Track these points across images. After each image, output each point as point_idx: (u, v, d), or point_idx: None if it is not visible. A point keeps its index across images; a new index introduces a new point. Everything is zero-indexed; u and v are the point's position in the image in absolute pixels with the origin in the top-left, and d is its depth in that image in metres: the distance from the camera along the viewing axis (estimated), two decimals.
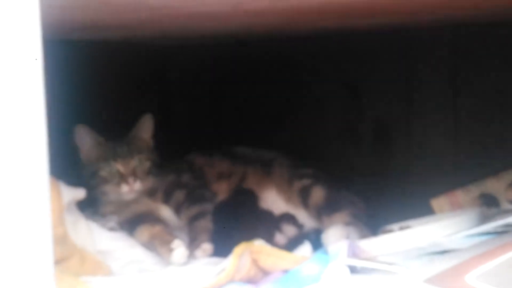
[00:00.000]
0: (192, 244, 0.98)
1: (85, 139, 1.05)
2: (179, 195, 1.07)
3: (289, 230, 1.06)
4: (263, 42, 1.29)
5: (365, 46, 1.23)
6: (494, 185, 1.04)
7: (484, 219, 0.91)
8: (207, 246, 0.96)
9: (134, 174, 1.03)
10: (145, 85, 1.35)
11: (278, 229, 1.05)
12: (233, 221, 1.04)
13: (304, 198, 1.09)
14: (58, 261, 0.88)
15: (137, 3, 0.72)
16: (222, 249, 0.94)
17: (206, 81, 1.41)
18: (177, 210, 1.06)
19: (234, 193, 1.10)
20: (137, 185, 1.03)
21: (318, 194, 1.08)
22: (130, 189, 1.03)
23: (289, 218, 1.08)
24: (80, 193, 0.97)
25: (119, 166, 1.03)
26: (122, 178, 1.03)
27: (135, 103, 1.22)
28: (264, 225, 1.05)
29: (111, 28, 1.00)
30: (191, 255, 0.95)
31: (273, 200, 1.12)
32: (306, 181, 1.11)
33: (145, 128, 1.09)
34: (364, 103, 1.26)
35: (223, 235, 0.99)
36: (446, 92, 1.19)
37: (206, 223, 1.02)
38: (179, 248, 0.93)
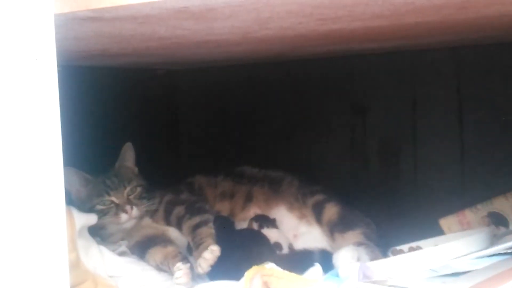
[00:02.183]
0: (199, 248, 0.99)
1: (73, 180, 1.07)
2: (179, 209, 1.09)
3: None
4: (271, 64, 1.30)
5: (371, 67, 1.24)
6: (502, 204, 1.04)
7: (494, 239, 0.91)
8: (215, 248, 0.96)
9: (130, 202, 1.07)
10: (154, 109, 1.36)
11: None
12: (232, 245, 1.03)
13: (317, 214, 1.09)
14: (71, 286, 0.88)
15: (147, 34, 0.73)
16: (223, 272, 0.95)
17: (214, 102, 1.42)
18: (179, 223, 1.08)
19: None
20: (135, 212, 1.06)
21: (332, 210, 1.08)
22: (129, 217, 1.06)
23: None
24: (92, 219, 0.99)
25: (113, 198, 1.07)
26: (119, 208, 1.06)
27: (145, 127, 1.23)
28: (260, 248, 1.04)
29: (121, 56, 1.01)
30: (200, 257, 0.96)
31: (283, 218, 1.11)
32: (319, 197, 1.11)
33: (128, 156, 1.13)
34: (371, 123, 1.27)
35: (223, 257, 0.99)
36: (452, 112, 1.19)
37: (209, 229, 1.03)
38: (179, 271, 0.94)
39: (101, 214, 1.05)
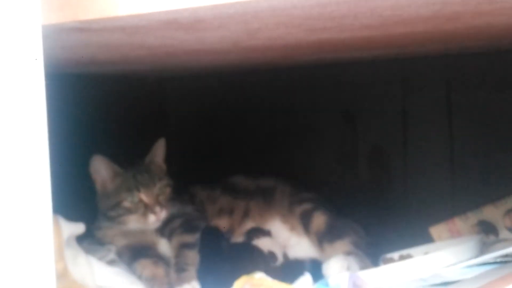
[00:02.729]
0: (181, 274, 0.97)
1: (102, 170, 1.02)
2: (176, 222, 1.06)
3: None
4: (261, 71, 1.30)
5: (361, 75, 1.25)
6: (492, 213, 1.05)
7: (483, 247, 0.91)
8: (195, 284, 0.95)
9: (159, 202, 1.02)
10: (143, 116, 1.36)
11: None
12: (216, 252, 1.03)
13: (305, 224, 1.08)
14: None
15: (136, 44, 0.73)
16: (213, 284, 0.95)
17: (203, 110, 1.41)
18: (170, 234, 1.05)
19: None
20: (163, 214, 1.01)
21: (319, 219, 1.08)
22: (157, 219, 1.01)
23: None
24: (79, 228, 0.97)
25: (143, 196, 1.01)
26: (148, 208, 1.01)
27: (134, 134, 1.22)
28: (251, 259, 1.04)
29: (109, 64, 1.01)
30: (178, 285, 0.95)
31: (278, 230, 1.11)
32: (306, 206, 1.10)
33: (160, 152, 1.08)
34: (361, 131, 1.27)
35: (208, 268, 0.99)
36: (442, 120, 1.20)
37: (196, 256, 1.01)
38: None
39: (127, 212, 1.00)
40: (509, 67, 1.13)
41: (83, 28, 0.59)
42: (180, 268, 0.99)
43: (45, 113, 0.49)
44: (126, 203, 1.01)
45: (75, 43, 0.71)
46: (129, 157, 1.11)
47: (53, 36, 0.62)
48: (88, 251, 0.98)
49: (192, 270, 0.98)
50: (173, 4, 0.51)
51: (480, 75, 1.16)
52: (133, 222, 1.02)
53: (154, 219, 1.01)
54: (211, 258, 1.01)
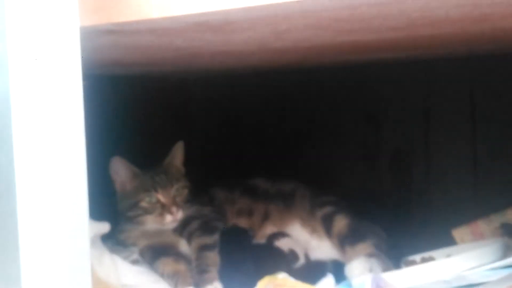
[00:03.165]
0: (202, 276, 0.98)
1: (121, 171, 1.05)
2: (194, 224, 1.07)
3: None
4: (284, 72, 1.30)
5: (384, 77, 1.24)
6: None
7: (507, 250, 0.90)
8: (218, 285, 0.96)
9: (175, 203, 1.04)
10: (166, 117, 1.36)
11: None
12: (240, 255, 1.03)
13: (327, 226, 1.08)
14: None
15: (164, 45, 0.74)
16: (236, 284, 0.95)
17: (226, 111, 1.42)
18: (189, 237, 1.06)
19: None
20: (180, 214, 1.03)
21: (341, 222, 1.07)
22: (174, 219, 1.03)
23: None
24: (104, 227, 0.99)
25: (160, 196, 1.03)
26: (165, 208, 1.03)
27: (157, 135, 1.23)
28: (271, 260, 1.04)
29: (135, 65, 1.02)
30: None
31: (297, 234, 1.11)
32: (328, 209, 1.10)
33: (178, 155, 1.10)
34: (383, 132, 1.27)
35: (231, 268, 0.99)
36: (465, 121, 1.19)
37: (216, 257, 1.02)
38: None
39: (144, 212, 1.03)
40: None
41: (115, 31, 0.60)
42: (201, 270, 1.00)
43: (82, 115, 0.50)
44: (144, 203, 1.04)
45: (104, 45, 0.72)
46: (152, 158, 1.12)
47: (86, 38, 0.64)
48: (112, 251, 1.00)
49: (213, 271, 0.99)
50: (205, 6, 0.52)
51: (504, 77, 1.15)
52: (150, 222, 1.04)
53: (170, 219, 1.03)
54: (234, 258, 1.02)
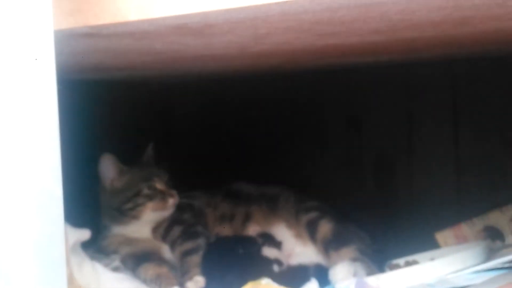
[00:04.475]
0: (184, 277, 0.98)
1: (111, 168, 1.08)
2: (176, 230, 1.09)
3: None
4: (266, 77, 1.30)
5: (366, 80, 1.24)
6: (498, 218, 1.05)
7: (490, 253, 0.91)
8: (199, 278, 0.96)
9: (170, 190, 1.09)
10: (148, 121, 1.36)
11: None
12: (224, 261, 1.03)
13: (311, 232, 1.09)
14: None
15: (144, 49, 0.73)
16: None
17: (208, 116, 1.41)
18: (172, 245, 1.08)
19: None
20: (177, 198, 1.08)
21: (325, 227, 1.08)
22: (174, 202, 1.07)
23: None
24: (85, 234, 0.97)
25: (158, 185, 1.08)
26: (164, 193, 1.07)
27: (139, 140, 1.22)
28: (255, 265, 1.04)
29: (116, 70, 1.01)
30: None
31: (283, 236, 1.11)
32: (313, 214, 1.11)
33: (151, 155, 1.14)
34: (366, 136, 1.27)
35: (215, 275, 0.99)
36: (447, 125, 1.20)
37: (198, 259, 1.03)
38: None
39: (146, 200, 1.06)
40: None
41: (93, 34, 0.59)
42: (184, 272, 1.00)
43: (57, 119, 0.49)
44: (146, 191, 1.07)
45: (83, 49, 0.71)
46: (131, 162, 1.13)
47: (62, 42, 0.62)
48: (92, 259, 0.99)
49: (194, 269, 1.00)
50: (184, 8, 0.51)
51: (486, 79, 1.16)
52: (149, 211, 1.07)
53: (172, 202, 1.07)
54: (219, 264, 1.02)
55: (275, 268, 1.04)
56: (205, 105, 1.41)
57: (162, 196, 1.07)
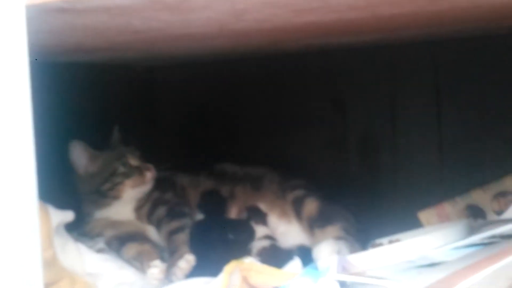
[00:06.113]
0: (174, 256, 0.98)
1: (82, 155, 1.08)
2: (161, 210, 1.08)
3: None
4: (250, 59, 1.30)
5: (351, 63, 1.25)
6: (480, 197, 1.06)
7: (471, 231, 0.92)
8: (190, 257, 0.96)
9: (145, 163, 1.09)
10: (132, 105, 1.35)
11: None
12: (208, 242, 1.04)
13: (297, 209, 1.09)
14: (48, 285, 0.88)
15: (122, 27, 0.73)
16: (201, 269, 0.95)
17: (193, 98, 1.41)
18: (158, 225, 1.08)
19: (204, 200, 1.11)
20: (154, 172, 1.08)
21: (311, 205, 1.09)
22: (152, 176, 1.08)
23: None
24: (68, 216, 0.97)
25: (132, 161, 1.08)
26: (140, 169, 1.08)
27: (123, 124, 1.22)
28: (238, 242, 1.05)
29: (97, 50, 1.00)
30: (174, 266, 0.95)
31: (267, 216, 1.11)
32: (299, 192, 1.11)
33: (118, 137, 1.15)
34: (350, 118, 1.27)
35: (200, 254, 0.99)
36: (431, 106, 1.20)
37: (186, 237, 1.03)
38: (155, 268, 0.94)
39: (123, 178, 1.06)
40: (496, 52, 1.13)
41: (67, 9, 0.59)
42: (172, 251, 1.00)
43: (29, 102, 0.48)
44: (122, 169, 1.07)
45: (61, 27, 0.70)
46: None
47: (38, 18, 0.62)
48: (77, 241, 0.99)
49: (183, 248, 1.00)
50: None
51: (468, 61, 1.16)
52: (129, 188, 1.07)
53: (150, 175, 1.07)
54: (204, 243, 1.02)
55: (265, 243, 1.05)
56: (189, 88, 1.40)
57: (139, 171, 1.08)
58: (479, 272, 0.66)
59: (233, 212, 1.12)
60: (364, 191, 1.25)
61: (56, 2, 0.55)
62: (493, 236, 0.82)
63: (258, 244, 1.05)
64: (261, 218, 1.10)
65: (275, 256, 1.02)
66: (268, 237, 1.07)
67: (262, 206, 1.12)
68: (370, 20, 0.79)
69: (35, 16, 0.60)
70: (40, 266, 0.50)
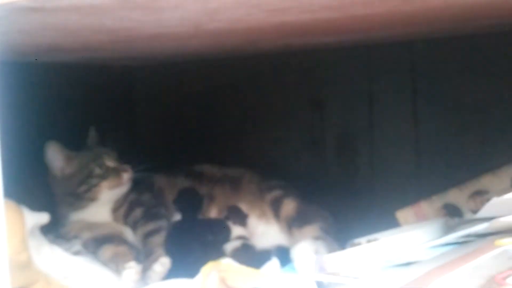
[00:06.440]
0: (149, 259, 0.98)
1: (58, 155, 1.07)
2: (137, 212, 1.08)
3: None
4: (227, 59, 1.29)
5: (328, 62, 1.25)
6: (456, 196, 1.06)
7: (447, 229, 0.92)
8: (165, 260, 0.96)
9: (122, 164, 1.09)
10: (110, 105, 1.34)
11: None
12: (185, 243, 1.04)
13: (275, 210, 1.09)
14: (23, 287, 0.87)
15: (95, 27, 0.72)
16: (178, 270, 0.94)
17: (171, 99, 1.41)
18: (134, 227, 1.07)
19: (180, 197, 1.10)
20: (131, 172, 1.08)
21: (289, 206, 1.09)
22: (129, 176, 1.07)
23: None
24: (43, 218, 0.96)
25: (109, 163, 1.08)
26: (117, 170, 1.07)
27: (101, 124, 1.21)
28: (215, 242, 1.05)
29: (70, 50, 0.99)
30: (150, 269, 0.95)
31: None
32: (277, 192, 1.11)
33: (95, 137, 1.14)
34: (328, 117, 1.28)
35: (177, 255, 0.99)
36: (407, 105, 1.21)
37: (161, 239, 1.03)
38: (131, 269, 0.94)
39: (99, 179, 1.06)
40: (472, 52, 1.14)
41: (36, 8, 0.58)
42: (148, 253, 1.00)
43: None
44: (98, 170, 1.07)
45: (32, 26, 0.69)
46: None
47: (8, 17, 0.61)
48: (52, 244, 0.98)
49: (158, 250, 0.99)
50: None
51: (444, 60, 1.17)
52: (106, 189, 1.06)
53: (127, 176, 1.07)
54: (181, 244, 1.02)
55: (237, 243, 1.04)
56: (167, 89, 1.40)
57: (116, 172, 1.07)
58: (453, 271, 0.66)
59: (213, 213, 1.12)
60: (342, 191, 1.25)
61: (25, 1, 0.55)
62: (468, 235, 0.82)
63: (231, 245, 1.05)
64: (241, 218, 1.10)
65: (248, 256, 1.02)
66: (241, 237, 1.07)
67: (243, 207, 1.11)
68: (345, 20, 0.79)
69: (4, 16, 0.59)
70: (6, 268, 0.49)
